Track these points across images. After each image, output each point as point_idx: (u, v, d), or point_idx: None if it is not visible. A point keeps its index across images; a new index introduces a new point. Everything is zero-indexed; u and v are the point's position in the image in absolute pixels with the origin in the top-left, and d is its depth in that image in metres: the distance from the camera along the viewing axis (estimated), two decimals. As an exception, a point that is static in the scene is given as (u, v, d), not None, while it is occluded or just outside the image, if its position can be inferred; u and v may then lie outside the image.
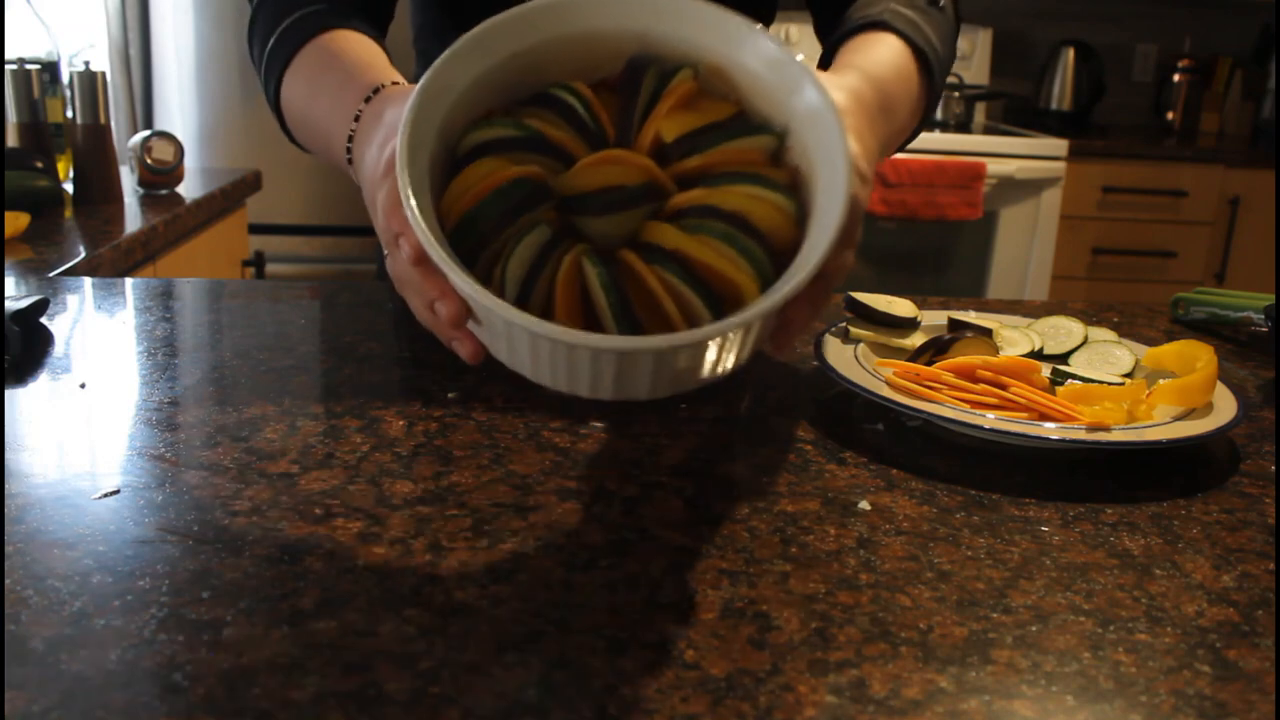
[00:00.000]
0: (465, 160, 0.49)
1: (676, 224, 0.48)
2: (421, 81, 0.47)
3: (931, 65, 0.73)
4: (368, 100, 0.60)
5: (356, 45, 0.68)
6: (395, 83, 0.61)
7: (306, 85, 0.69)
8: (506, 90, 0.51)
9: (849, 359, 0.72)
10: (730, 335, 0.44)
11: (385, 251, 0.51)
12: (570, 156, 0.49)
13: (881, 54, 0.70)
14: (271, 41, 0.72)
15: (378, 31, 0.74)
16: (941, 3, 0.79)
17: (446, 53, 0.48)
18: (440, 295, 0.46)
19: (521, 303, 0.46)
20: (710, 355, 0.45)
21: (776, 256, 0.47)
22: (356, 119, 0.60)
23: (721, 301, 0.46)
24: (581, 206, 0.48)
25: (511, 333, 0.45)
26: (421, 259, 0.46)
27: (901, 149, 0.77)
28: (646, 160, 0.49)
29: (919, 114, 0.74)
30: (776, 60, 0.49)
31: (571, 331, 0.42)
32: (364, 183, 0.56)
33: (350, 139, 0.60)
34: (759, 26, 0.49)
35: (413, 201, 0.44)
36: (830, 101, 0.47)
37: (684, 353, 0.44)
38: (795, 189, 0.49)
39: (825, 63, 0.76)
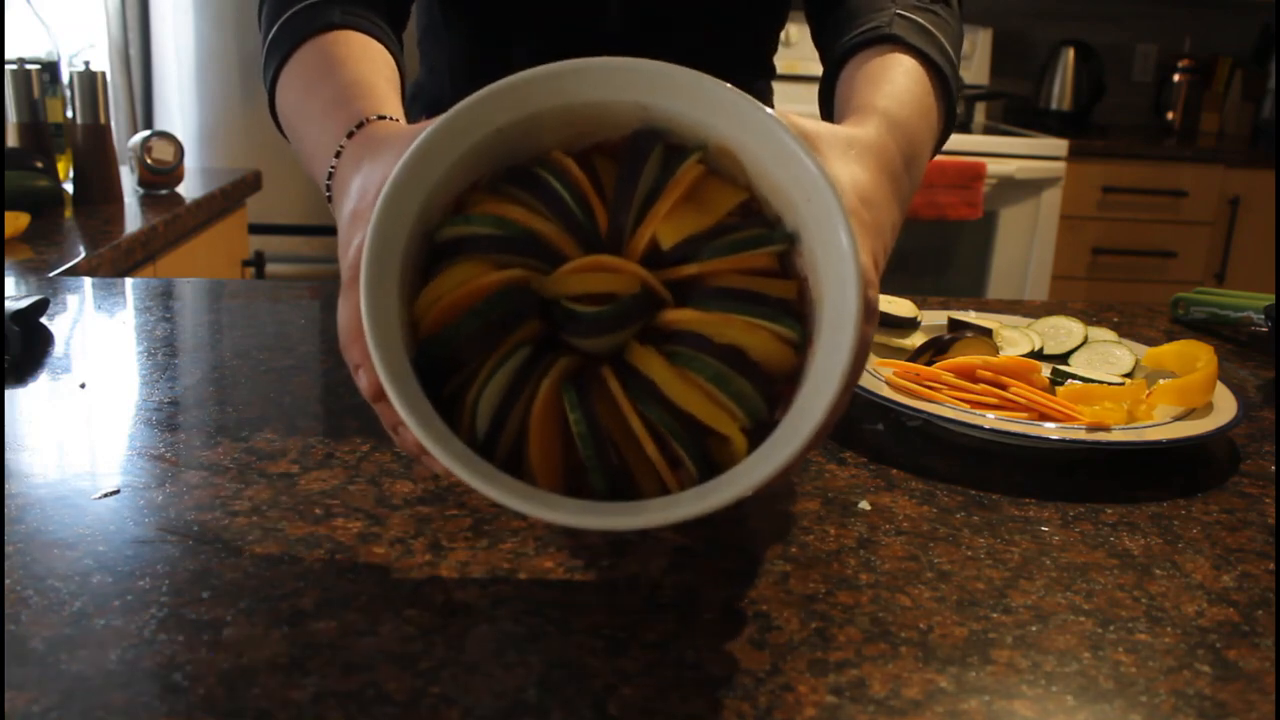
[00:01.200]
0: (443, 251, 0.46)
1: (665, 350, 0.44)
2: (398, 167, 0.43)
3: (949, 83, 0.67)
4: (350, 135, 0.56)
5: (359, 52, 0.64)
6: (383, 116, 0.57)
7: (298, 95, 0.65)
8: (494, 158, 0.47)
9: (849, 359, 0.72)
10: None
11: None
12: (557, 253, 0.45)
13: (899, 85, 0.63)
14: (275, 28, 0.68)
15: (391, 25, 0.70)
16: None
17: (428, 131, 0.44)
18: (402, 424, 0.44)
19: (494, 434, 0.44)
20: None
21: (774, 384, 0.45)
22: (338, 154, 0.56)
23: (707, 437, 0.44)
24: (569, 324, 0.45)
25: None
26: (379, 397, 0.44)
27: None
28: (640, 269, 0.45)
29: (938, 144, 0.68)
30: (791, 158, 0.43)
31: (537, 504, 0.41)
32: (340, 240, 0.52)
33: (331, 174, 0.56)
34: (773, 113, 0.44)
35: (378, 351, 0.41)
36: (849, 229, 0.42)
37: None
38: (801, 304, 0.45)
39: (832, 78, 0.70)
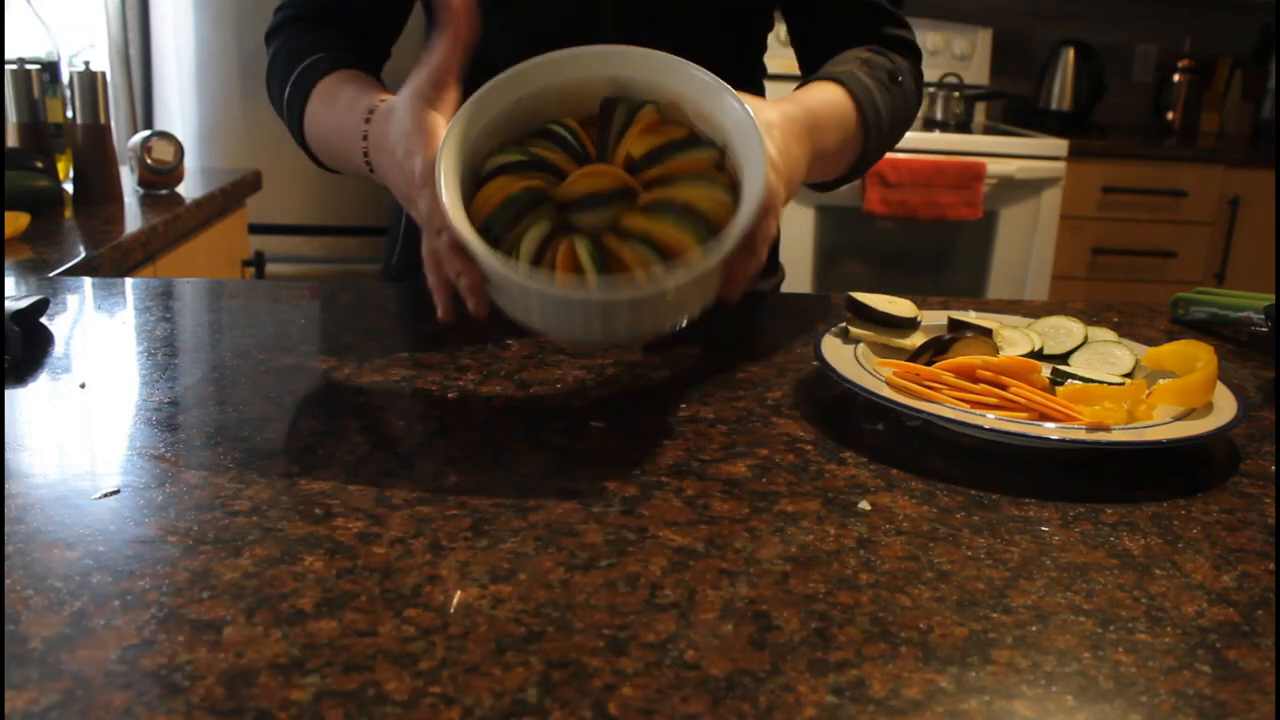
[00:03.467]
0: (486, 178, 0.65)
1: (643, 213, 0.64)
2: (451, 125, 0.63)
3: (868, 121, 0.84)
4: (373, 111, 0.75)
5: (356, 79, 0.84)
6: (384, 100, 0.75)
7: (324, 111, 0.85)
8: (515, 126, 0.67)
9: (849, 359, 0.72)
10: (683, 285, 0.59)
11: (425, 237, 0.65)
12: (564, 172, 0.65)
13: (822, 94, 0.83)
14: (289, 88, 0.87)
15: (374, 71, 0.90)
16: (900, 79, 0.90)
17: (467, 104, 0.64)
18: (465, 270, 0.62)
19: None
20: (670, 300, 0.60)
21: (718, 232, 0.61)
22: (368, 120, 0.75)
23: (676, 261, 0.62)
24: (573, 207, 0.65)
25: (526, 295, 0.60)
26: (458, 247, 0.61)
27: (834, 186, 0.91)
28: (620, 171, 0.65)
29: (850, 154, 0.86)
30: (713, 91, 0.65)
31: (568, 287, 0.60)
32: (393, 185, 0.72)
33: (365, 138, 0.75)
34: (705, 72, 0.65)
35: (452, 210, 0.60)
36: (751, 115, 0.63)
37: (649, 302, 0.59)
38: (733, 188, 0.64)
39: None
